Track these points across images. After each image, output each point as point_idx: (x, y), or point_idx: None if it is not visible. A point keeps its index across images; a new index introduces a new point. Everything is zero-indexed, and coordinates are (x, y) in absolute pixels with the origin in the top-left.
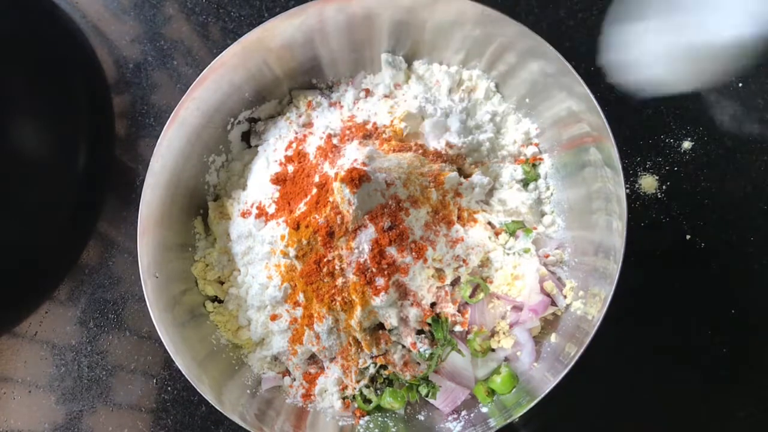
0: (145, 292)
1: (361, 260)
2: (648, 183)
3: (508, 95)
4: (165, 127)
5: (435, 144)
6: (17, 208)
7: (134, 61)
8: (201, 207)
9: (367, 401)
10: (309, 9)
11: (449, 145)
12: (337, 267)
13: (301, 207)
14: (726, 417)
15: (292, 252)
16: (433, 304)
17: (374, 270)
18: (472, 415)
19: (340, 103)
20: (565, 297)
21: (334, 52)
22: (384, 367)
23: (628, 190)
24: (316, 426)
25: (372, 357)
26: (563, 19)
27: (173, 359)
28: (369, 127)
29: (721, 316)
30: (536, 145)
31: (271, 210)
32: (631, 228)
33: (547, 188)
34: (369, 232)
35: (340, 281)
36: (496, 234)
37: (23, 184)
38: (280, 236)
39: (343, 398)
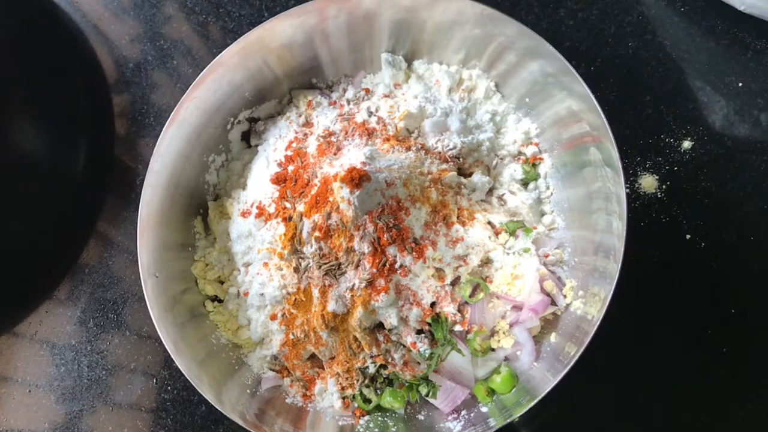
0: (145, 292)
1: (361, 260)
2: (648, 183)
3: (508, 95)
4: (165, 126)
5: (435, 144)
6: (17, 208)
7: (134, 60)
8: (201, 206)
9: (367, 401)
10: (309, 9)
11: (449, 144)
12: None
13: (301, 207)
14: (726, 416)
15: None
16: (433, 304)
17: (374, 270)
18: (472, 414)
19: (340, 102)
20: (565, 297)
21: (334, 52)
22: (384, 366)
23: (628, 190)
24: (315, 426)
25: (372, 357)
26: (563, 19)
27: (173, 359)
28: (369, 126)
29: (721, 316)
30: (536, 144)
31: (271, 210)
32: (631, 228)
33: (547, 188)
34: (369, 232)
35: (341, 281)
36: (496, 233)
37: (23, 184)
38: (279, 236)
39: (343, 398)
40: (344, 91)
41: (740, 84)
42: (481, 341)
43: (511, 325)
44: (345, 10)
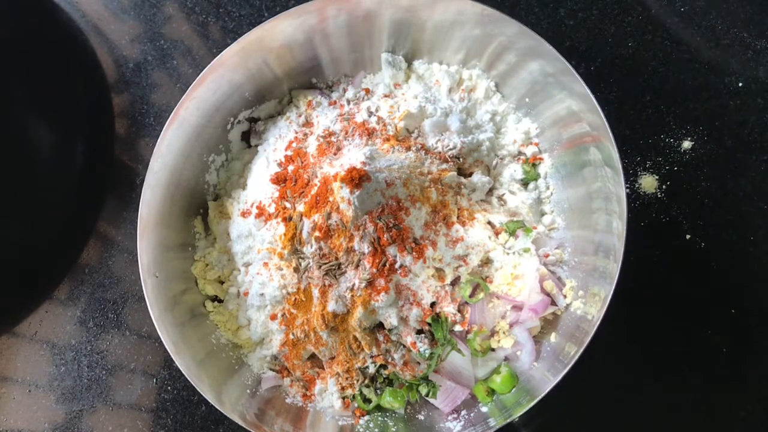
0: (145, 292)
1: (361, 260)
2: (648, 183)
3: (508, 95)
4: (165, 126)
5: (435, 144)
6: (17, 208)
7: (134, 60)
8: (201, 206)
9: (367, 401)
10: (309, 9)
11: (449, 144)
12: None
13: (301, 207)
14: (726, 417)
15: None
16: (433, 304)
17: (374, 270)
18: (472, 414)
19: (340, 102)
20: (565, 296)
21: (334, 52)
22: (384, 366)
23: (628, 190)
24: (315, 426)
25: (372, 357)
26: (563, 19)
27: (173, 359)
28: (369, 126)
29: (721, 316)
30: (536, 144)
31: (271, 209)
32: (631, 228)
33: (547, 188)
34: (369, 232)
35: (341, 281)
36: (496, 233)
37: (23, 184)
38: (279, 236)
39: (343, 398)
40: (344, 91)
41: (740, 84)
42: (481, 341)
43: (511, 325)
44: (345, 10)
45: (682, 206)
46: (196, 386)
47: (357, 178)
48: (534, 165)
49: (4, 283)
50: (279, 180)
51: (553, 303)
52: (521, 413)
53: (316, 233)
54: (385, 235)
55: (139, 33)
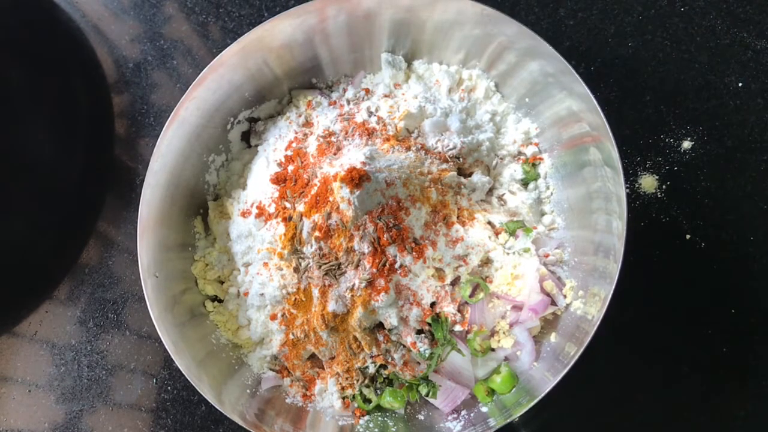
0: (145, 292)
1: (361, 260)
2: (648, 183)
3: (508, 95)
4: (165, 126)
5: (435, 144)
6: (17, 208)
7: (134, 60)
8: (201, 206)
9: (367, 401)
10: (309, 9)
11: (449, 144)
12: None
13: (301, 207)
14: (726, 417)
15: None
16: (433, 304)
17: (374, 270)
18: (472, 414)
19: (340, 102)
20: (564, 296)
21: (334, 52)
22: (384, 366)
23: (628, 190)
24: (315, 426)
25: (372, 357)
26: (563, 19)
27: (173, 359)
28: (369, 126)
29: (721, 316)
30: (536, 144)
31: (271, 210)
32: (631, 228)
33: (547, 188)
34: (369, 232)
35: (341, 281)
36: (496, 233)
37: (23, 184)
38: (279, 236)
39: (343, 398)
40: (344, 91)
41: (740, 84)
42: (481, 341)
43: (511, 325)
44: (345, 10)
45: (682, 206)
46: (196, 386)
47: (357, 178)
48: (534, 165)
49: (4, 283)
50: (279, 180)
51: (553, 303)
52: (521, 413)
53: (316, 233)
54: (385, 235)
55: (139, 33)
